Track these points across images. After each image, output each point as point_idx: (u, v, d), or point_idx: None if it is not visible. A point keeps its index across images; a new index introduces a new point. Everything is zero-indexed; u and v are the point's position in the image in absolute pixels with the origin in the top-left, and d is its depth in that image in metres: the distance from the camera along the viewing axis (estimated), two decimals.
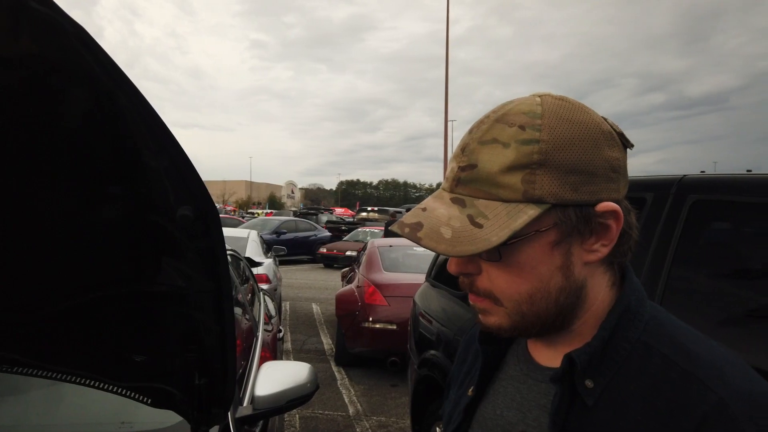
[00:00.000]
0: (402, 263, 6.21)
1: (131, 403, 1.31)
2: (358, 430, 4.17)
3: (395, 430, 4.21)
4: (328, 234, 18.97)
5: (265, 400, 1.72)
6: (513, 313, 0.63)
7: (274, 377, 1.80)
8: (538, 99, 0.62)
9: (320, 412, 4.47)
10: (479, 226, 0.58)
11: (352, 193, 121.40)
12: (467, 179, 0.61)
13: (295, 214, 26.03)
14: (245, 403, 1.82)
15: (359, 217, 24.61)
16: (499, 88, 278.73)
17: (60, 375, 1.26)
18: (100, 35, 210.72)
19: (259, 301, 3.67)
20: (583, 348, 0.62)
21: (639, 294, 0.66)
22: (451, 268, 0.63)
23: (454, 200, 0.61)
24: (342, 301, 5.88)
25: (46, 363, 1.24)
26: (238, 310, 2.79)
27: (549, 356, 0.68)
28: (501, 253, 0.60)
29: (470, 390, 0.76)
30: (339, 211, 36.25)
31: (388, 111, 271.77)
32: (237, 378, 1.99)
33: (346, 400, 4.77)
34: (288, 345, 6.55)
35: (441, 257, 3.26)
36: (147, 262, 1.07)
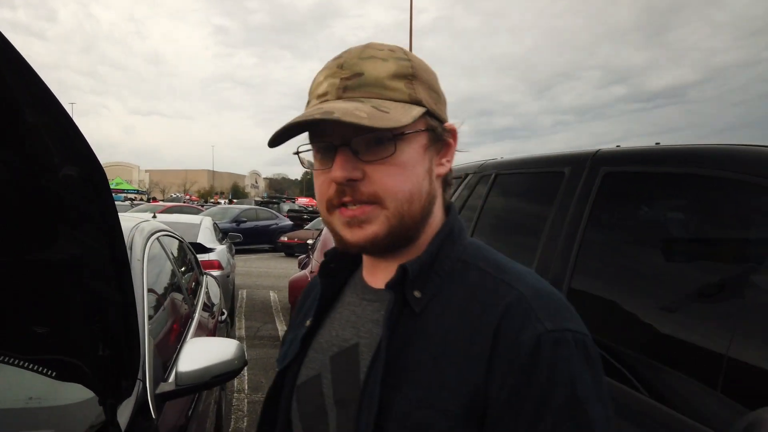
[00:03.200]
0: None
1: (40, 378, 1.27)
2: None
3: None
4: (290, 223, 18.84)
5: (189, 376, 1.70)
6: (393, 215, 0.67)
7: (199, 353, 1.78)
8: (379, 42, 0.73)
9: None
10: (386, 112, 0.64)
11: None
12: (356, 85, 0.66)
13: (256, 203, 25.74)
14: (170, 380, 1.80)
15: None
16: (464, 79, 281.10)
17: None
18: (54, 18, 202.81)
19: (201, 285, 3.62)
20: (415, 260, 0.70)
21: (460, 223, 0.76)
22: (339, 174, 0.65)
23: (348, 100, 0.66)
24: (294, 287, 5.85)
25: None
26: (176, 295, 2.75)
27: (382, 280, 0.73)
28: (396, 148, 0.66)
29: (307, 322, 0.82)
30: (303, 200, 36.02)
31: None
32: (166, 358, 1.97)
33: None
34: (242, 332, 6.50)
35: None
36: (40, 230, 1.04)
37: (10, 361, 1.24)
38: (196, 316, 2.85)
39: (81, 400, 1.40)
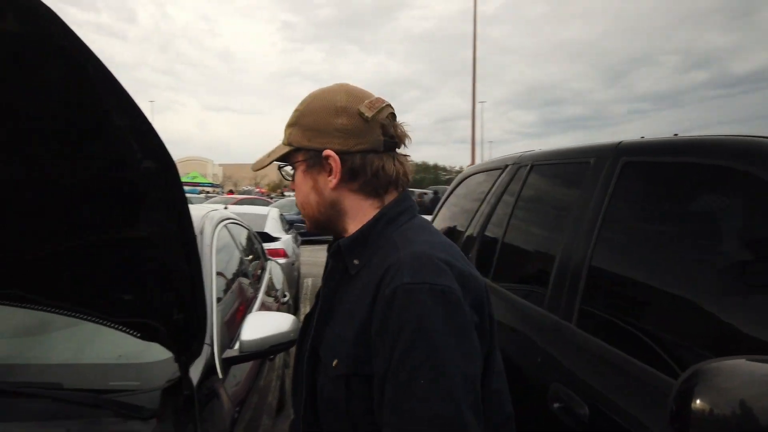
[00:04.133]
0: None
1: (128, 338, 1.53)
2: None
3: None
4: None
5: (250, 344, 1.94)
6: (305, 216, 1.09)
7: (259, 325, 2.01)
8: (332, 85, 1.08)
9: None
10: (269, 155, 1.08)
11: None
12: None
13: None
14: (234, 348, 2.04)
15: None
16: (532, 67, 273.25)
17: (62, 311, 1.49)
18: (134, 19, 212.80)
19: (266, 271, 3.91)
20: (347, 238, 1.02)
21: (402, 209, 1.03)
22: (290, 185, 1.13)
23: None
24: None
25: (48, 299, 1.47)
26: (242, 277, 3.02)
27: None
28: (293, 178, 1.08)
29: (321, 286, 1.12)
30: None
31: (419, 92, 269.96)
32: (232, 330, 2.21)
33: None
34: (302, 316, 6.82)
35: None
36: (124, 212, 1.27)
37: (104, 323, 1.51)
38: (260, 296, 3.12)
39: (160, 359, 1.65)
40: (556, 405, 1.50)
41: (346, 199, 1.03)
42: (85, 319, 1.50)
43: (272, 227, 6.94)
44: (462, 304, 0.83)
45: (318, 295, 1.11)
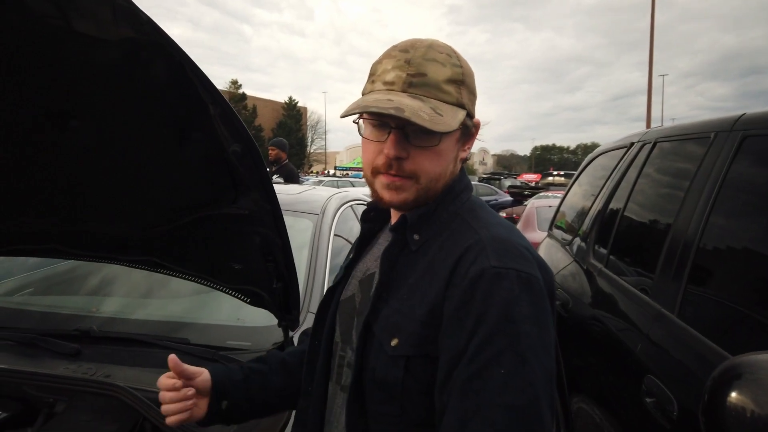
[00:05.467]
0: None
1: (244, 304, 1.73)
2: None
3: None
4: (510, 199, 18.78)
5: None
6: (423, 188, 0.89)
7: None
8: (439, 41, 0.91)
9: None
10: (441, 115, 0.83)
11: (546, 158, 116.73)
12: (419, 83, 0.85)
13: (479, 180, 26.16)
14: None
15: (544, 181, 23.79)
16: (729, 33, 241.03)
17: (191, 277, 1.74)
18: (311, 17, 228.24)
19: None
20: (415, 211, 0.91)
21: (464, 186, 0.95)
22: (392, 151, 0.86)
23: (413, 97, 0.84)
24: None
25: (177, 266, 1.72)
26: None
27: None
28: (440, 141, 0.86)
29: (350, 255, 1.07)
30: (529, 176, 35.32)
31: (591, 68, 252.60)
32: None
33: None
34: None
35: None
36: (226, 190, 1.45)
37: (222, 289, 1.73)
38: None
39: (271, 325, 1.84)
40: (648, 400, 1.40)
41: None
42: (207, 285, 1.73)
43: None
44: (544, 294, 0.80)
45: (343, 268, 1.07)
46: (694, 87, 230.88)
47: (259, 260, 1.59)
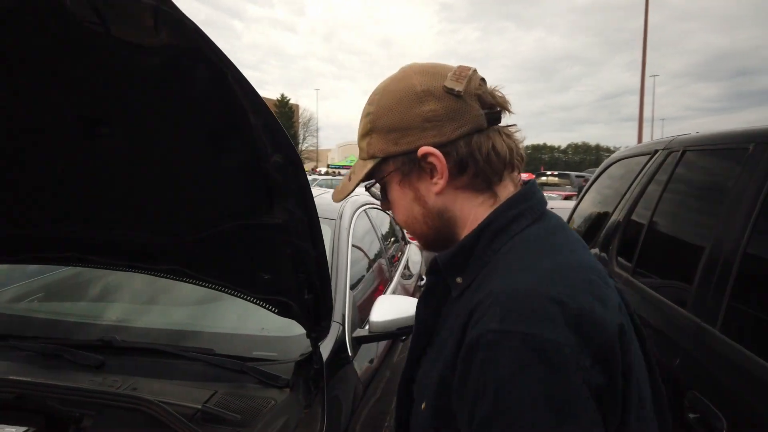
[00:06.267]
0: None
1: (269, 314, 1.69)
2: None
3: None
4: None
5: (379, 325, 2.03)
6: (418, 233, 0.89)
7: (388, 308, 2.09)
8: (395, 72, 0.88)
9: None
10: (350, 179, 0.90)
11: (537, 158, 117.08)
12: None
13: None
14: (365, 328, 2.16)
15: (538, 182, 23.70)
16: (721, 34, 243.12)
17: (214, 286, 1.70)
18: (303, 12, 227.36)
19: (404, 254, 4.02)
20: (446, 252, 0.82)
21: (518, 212, 0.80)
22: (381, 206, 0.92)
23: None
24: None
25: (203, 275, 1.68)
26: (378, 258, 3.16)
27: None
28: (386, 196, 0.89)
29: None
30: (521, 176, 35.28)
31: (582, 68, 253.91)
32: (365, 312, 2.33)
33: None
34: None
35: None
36: (261, 200, 1.41)
37: (248, 298, 1.68)
38: (395, 279, 3.23)
39: (296, 334, 1.80)
40: (691, 415, 1.38)
41: (454, 202, 0.83)
42: (233, 294, 1.69)
43: None
44: (569, 366, 0.60)
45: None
46: (684, 87, 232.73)
47: (289, 270, 1.55)
